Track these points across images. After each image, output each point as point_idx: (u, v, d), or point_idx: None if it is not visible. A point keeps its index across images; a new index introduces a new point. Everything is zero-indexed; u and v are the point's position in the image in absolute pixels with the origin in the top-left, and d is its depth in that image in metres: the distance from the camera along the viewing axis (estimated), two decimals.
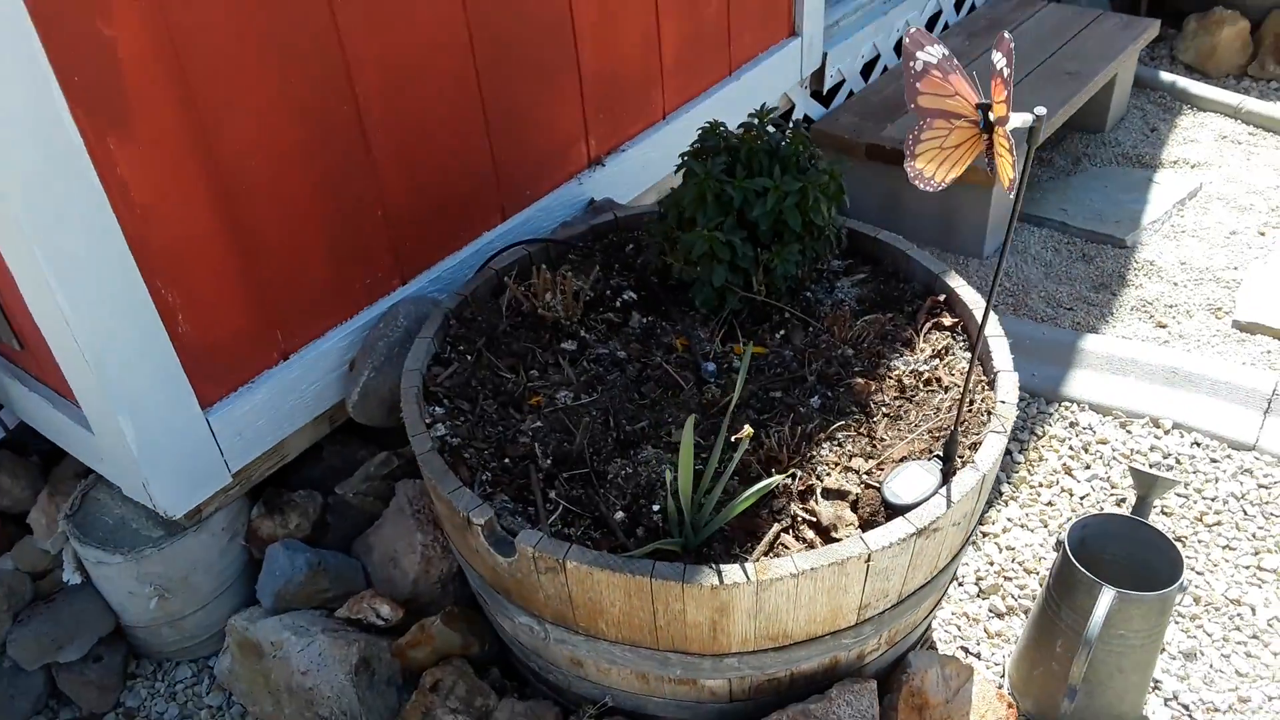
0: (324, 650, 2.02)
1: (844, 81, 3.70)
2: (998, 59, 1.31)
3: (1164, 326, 3.05)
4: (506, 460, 1.82)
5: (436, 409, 1.93)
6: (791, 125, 2.08)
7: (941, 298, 2.06)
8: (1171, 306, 3.12)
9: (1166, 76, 4.35)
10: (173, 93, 1.76)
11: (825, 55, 3.48)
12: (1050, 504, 2.50)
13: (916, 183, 1.47)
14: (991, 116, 1.36)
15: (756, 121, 2.08)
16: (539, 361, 2.04)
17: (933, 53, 1.38)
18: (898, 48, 3.95)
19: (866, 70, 3.84)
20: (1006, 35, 1.30)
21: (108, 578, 2.17)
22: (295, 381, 2.14)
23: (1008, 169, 1.35)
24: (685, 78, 2.95)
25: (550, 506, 1.72)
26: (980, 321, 1.64)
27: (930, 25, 4.14)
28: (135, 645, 2.31)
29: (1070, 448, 2.64)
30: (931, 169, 1.45)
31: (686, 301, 2.14)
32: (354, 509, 2.27)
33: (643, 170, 2.89)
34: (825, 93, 3.62)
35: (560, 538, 1.65)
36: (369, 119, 2.09)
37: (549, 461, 1.79)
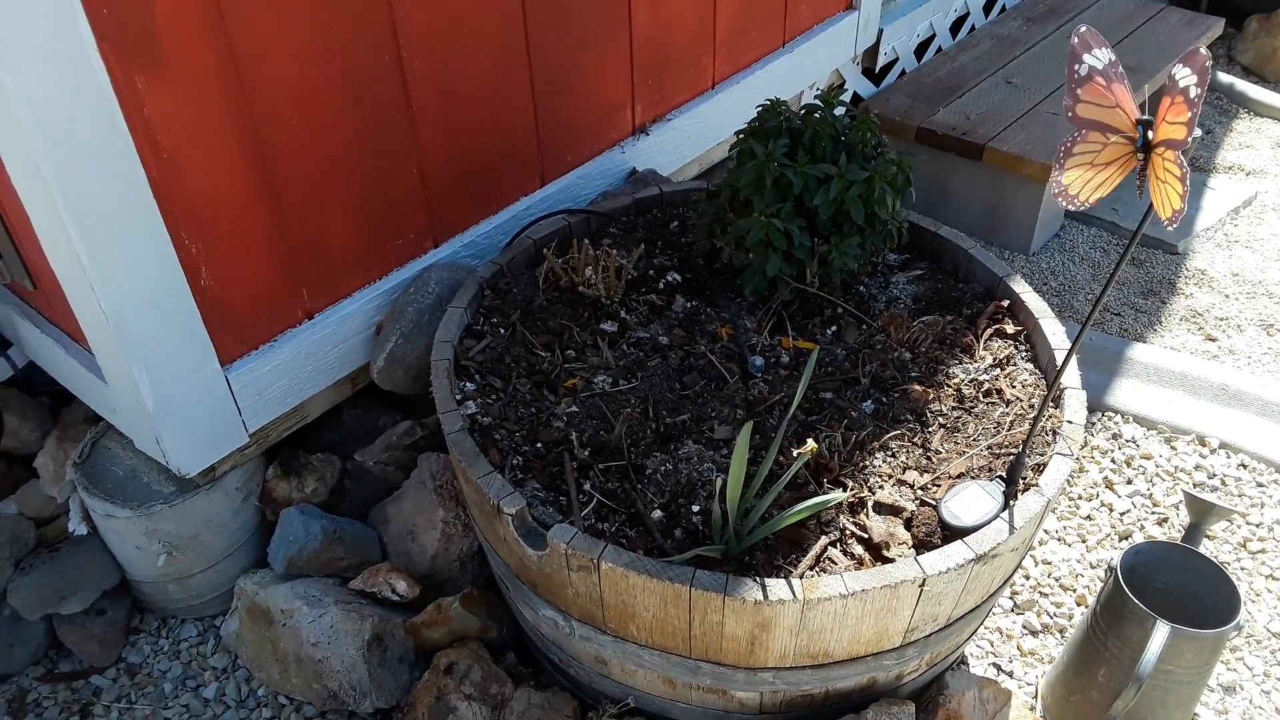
0: (336, 623, 1.95)
1: (896, 60, 3.56)
2: (1185, 76, 1.16)
3: (1214, 340, 2.95)
4: (539, 445, 1.73)
5: (467, 385, 1.84)
6: (859, 109, 1.97)
7: (1004, 303, 1.96)
8: (1222, 319, 3.01)
9: (1224, 78, 4.20)
10: (208, 30, 1.64)
11: (881, 32, 3.34)
12: (1089, 518, 2.41)
13: (1060, 199, 1.32)
14: (1152, 135, 1.23)
15: (822, 103, 1.96)
16: (576, 341, 1.94)
17: (1099, 56, 1.23)
18: (954, 28, 3.81)
19: (920, 50, 3.70)
20: (1203, 51, 1.16)
21: (115, 531, 2.09)
22: (319, 343, 2.05)
23: (1175, 198, 1.19)
24: (738, 46, 2.82)
25: (584, 499, 1.64)
26: (1060, 365, 1.53)
27: (988, 8, 3.98)
28: (140, 600, 2.24)
29: (1112, 460, 2.55)
30: (1078, 186, 1.31)
31: (734, 288, 2.03)
32: (373, 477, 2.19)
33: (686, 141, 2.77)
34: (877, 70, 3.49)
35: (593, 533, 1.57)
36: (411, 71, 1.98)
37: (585, 451, 1.70)
